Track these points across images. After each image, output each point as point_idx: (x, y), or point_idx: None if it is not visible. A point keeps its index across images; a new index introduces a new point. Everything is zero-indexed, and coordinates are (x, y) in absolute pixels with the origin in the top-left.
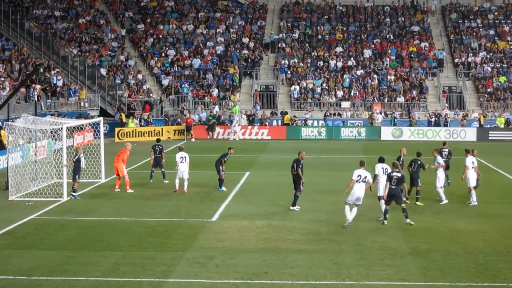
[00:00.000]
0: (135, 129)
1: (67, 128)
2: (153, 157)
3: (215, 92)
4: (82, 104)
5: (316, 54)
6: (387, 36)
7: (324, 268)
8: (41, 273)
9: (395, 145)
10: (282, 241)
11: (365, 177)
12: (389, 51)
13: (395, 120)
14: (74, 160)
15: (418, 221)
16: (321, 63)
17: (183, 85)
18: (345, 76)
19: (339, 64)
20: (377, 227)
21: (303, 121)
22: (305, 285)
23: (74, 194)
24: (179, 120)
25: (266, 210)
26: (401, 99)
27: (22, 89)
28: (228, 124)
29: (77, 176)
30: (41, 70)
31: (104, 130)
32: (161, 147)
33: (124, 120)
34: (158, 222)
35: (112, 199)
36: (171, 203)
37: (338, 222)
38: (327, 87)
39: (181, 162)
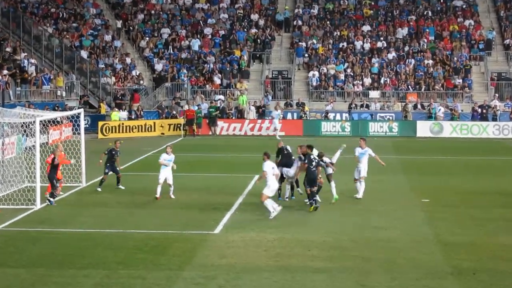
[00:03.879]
0: (122, 123)
1: (41, 121)
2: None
3: (217, 79)
4: (58, 93)
5: (339, 33)
6: (425, 12)
7: None
8: None
9: (433, 143)
10: (298, 257)
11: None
12: (427, 30)
13: (435, 112)
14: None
15: (461, 234)
16: (345, 44)
17: (179, 71)
18: (373, 60)
19: (367, 46)
20: (411, 240)
21: (323, 114)
22: None
23: (51, 199)
24: (174, 112)
25: (279, 220)
26: (440, 88)
27: None
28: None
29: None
30: (7, 48)
31: (85, 124)
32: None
33: (103, 111)
34: (150, 234)
35: (94, 207)
36: (165, 212)
37: (365, 236)
38: (352, 74)
39: (164, 166)
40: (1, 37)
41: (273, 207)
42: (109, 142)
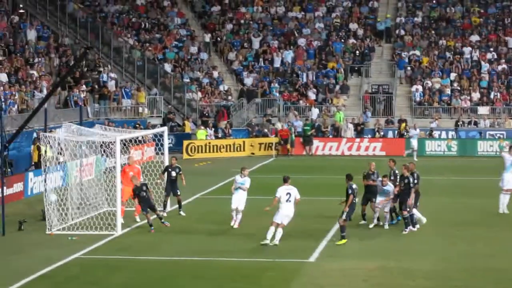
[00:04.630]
0: (209, 142)
1: (121, 141)
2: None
3: (312, 94)
4: (140, 110)
5: (444, 44)
6: None
7: None
8: None
9: None
10: None
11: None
12: None
13: None
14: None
15: None
16: (452, 56)
17: (271, 85)
18: (482, 73)
19: (475, 57)
20: None
21: (428, 132)
22: None
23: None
24: (265, 130)
25: (381, 247)
26: None
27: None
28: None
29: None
30: (92, 56)
31: (169, 143)
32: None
33: (188, 129)
34: (241, 263)
35: (178, 233)
36: (256, 239)
37: (473, 265)
38: (459, 88)
39: (237, 190)
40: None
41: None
42: (195, 162)
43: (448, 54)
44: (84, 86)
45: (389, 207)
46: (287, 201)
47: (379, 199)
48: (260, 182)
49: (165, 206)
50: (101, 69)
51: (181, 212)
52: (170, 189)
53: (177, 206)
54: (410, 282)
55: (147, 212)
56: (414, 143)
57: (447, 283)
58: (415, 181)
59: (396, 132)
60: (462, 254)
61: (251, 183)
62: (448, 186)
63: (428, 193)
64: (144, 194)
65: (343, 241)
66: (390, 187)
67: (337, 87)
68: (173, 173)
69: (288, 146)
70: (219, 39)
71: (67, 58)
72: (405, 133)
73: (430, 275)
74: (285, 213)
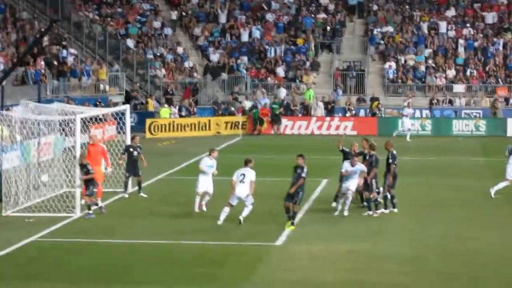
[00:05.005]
0: (173, 121)
1: (81, 119)
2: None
3: (281, 71)
4: (101, 87)
5: (419, 19)
6: None
7: None
8: None
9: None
10: (372, 272)
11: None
12: None
13: None
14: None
15: None
16: (426, 32)
17: (238, 62)
18: (458, 49)
19: (451, 34)
20: (499, 254)
21: (401, 111)
22: None
23: (90, 212)
24: (232, 108)
25: (350, 230)
26: None
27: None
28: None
29: (91, 187)
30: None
31: (132, 122)
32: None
33: (151, 107)
34: (204, 246)
35: (141, 215)
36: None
37: (450, 248)
38: (434, 65)
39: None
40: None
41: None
42: (158, 142)
43: (422, 30)
44: (42, 62)
45: (355, 187)
46: (240, 182)
47: (350, 182)
48: (226, 162)
49: (126, 187)
50: (65, 43)
51: (142, 194)
52: (132, 169)
53: (137, 187)
54: (382, 265)
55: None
56: (408, 122)
57: (420, 267)
58: (390, 160)
59: (368, 110)
60: (437, 236)
61: (218, 163)
62: (422, 166)
63: (401, 174)
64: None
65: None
66: (360, 166)
67: (307, 63)
68: (135, 153)
69: (261, 125)
70: (183, 13)
71: (24, 33)
72: (377, 112)
73: (402, 259)
74: (237, 194)
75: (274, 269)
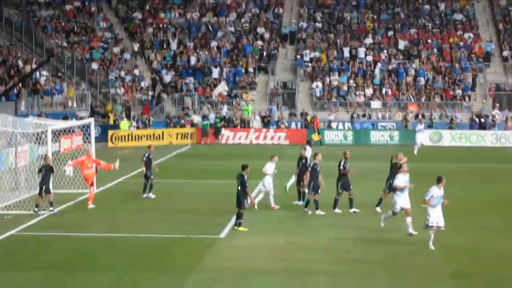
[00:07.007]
0: (131, 133)
1: (52, 131)
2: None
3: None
4: (69, 103)
5: (341, 46)
6: (426, 25)
7: None
8: None
9: (433, 151)
10: (303, 261)
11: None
12: (429, 41)
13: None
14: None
15: (460, 239)
16: (348, 56)
17: (187, 81)
18: (375, 71)
19: (369, 58)
20: (410, 244)
21: (327, 124)
22: None
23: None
24: (182, 121)
25: (284, 225)
26: (438, 99)
27: None
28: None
29: (45, 187)
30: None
31: (96, 133)
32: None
33: (112, 121)
34: (158, 239)
35: (105, 212)
36: (173, 217)
37: (367, 239)
38: (354, 84)
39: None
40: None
41: None
42: (118, 150)
43: (345, 55)
44: (20, 83)
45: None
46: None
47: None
48: (177, 167)
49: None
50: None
51: (150, 195)
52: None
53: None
54: (310, 255)
55: (41, 194)
56: (419, 137)
57: (342, 256)
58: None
59: (298, 123)
60: (358, 229)
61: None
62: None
63: (329, 177)
64: (45, 174)
65: None
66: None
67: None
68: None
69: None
70: (140, 41)
71: (2, 57)
72: (310, 126)
73: (327, 250)
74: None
75: (218, 258)
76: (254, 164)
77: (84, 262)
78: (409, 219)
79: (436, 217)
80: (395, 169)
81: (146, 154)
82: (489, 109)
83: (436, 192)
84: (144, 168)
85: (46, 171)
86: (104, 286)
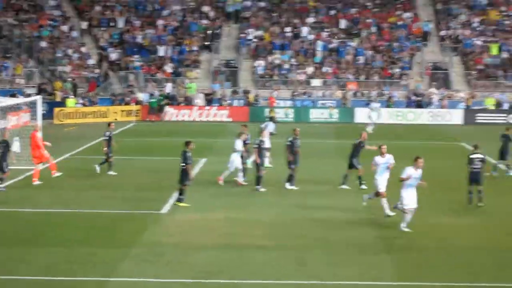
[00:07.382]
0: (77, 110)
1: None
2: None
3: (169, 68)
4: (17, 80)
5: (284, 24)
6: (366, 5)
7: (287, 266)
8: None
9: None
10: (242, 236)
11: None
12: (369, 20)
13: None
14: None
15: (395, 215)
16: (290, 35)
17: (133, 59)
18: (316, 50)
19: (311, 37)
20: (347, 221)
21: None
22: (267, 285)
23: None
24: (127, 99)
25: (225, 201)
26: (377, 77)
27: None
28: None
29: (4, 164)
30: None
31: (43, 110)
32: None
33: (58, 98)
34: (101, 214)
35: (50, 188)
36: (117, 194)
37: (304, 216)
38: (296, 63)
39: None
40: None
41: None
42: (64, 127)
43: (287, 33)
44: None
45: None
46: None
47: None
48: (122, 144)
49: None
50: None
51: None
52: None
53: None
54: (249, 231)
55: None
56: (374, 115)
57: (280, 231)
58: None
59: (241, 101)
60: (296, 206)
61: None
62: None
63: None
64: (1, 150)
65: None
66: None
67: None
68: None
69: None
70: (88, 19)
71: None
72: (255, 103)
73: (266, 225)
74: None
75: (160, 233)
76: (197, 141)
77: (28, 237)
78: (384, 200)
79: (409, 199)
80: (358, 148)
81: (107, 133)
82: (423, 87)
83: (412, 172)
84: (105, 147)
85: (3, 147)
86: (49, 260)
